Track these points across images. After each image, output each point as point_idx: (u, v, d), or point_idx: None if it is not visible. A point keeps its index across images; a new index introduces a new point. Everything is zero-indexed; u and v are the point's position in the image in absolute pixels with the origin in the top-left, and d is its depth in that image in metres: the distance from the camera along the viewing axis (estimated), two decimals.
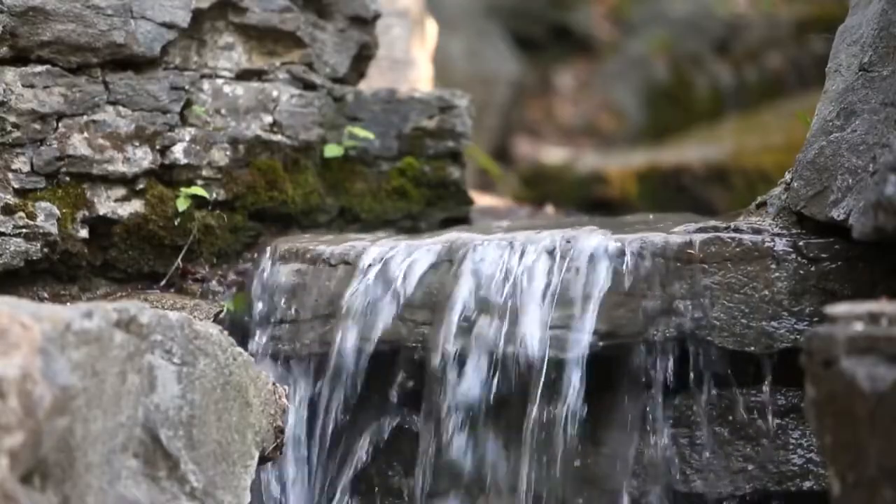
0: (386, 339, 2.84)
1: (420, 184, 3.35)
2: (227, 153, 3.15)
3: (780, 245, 2.77)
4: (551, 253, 2.80)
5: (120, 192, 3.04)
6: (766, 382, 2.76)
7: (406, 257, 2.86)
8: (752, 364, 2.76)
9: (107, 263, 3.07)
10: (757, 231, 2.80)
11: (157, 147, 3.06)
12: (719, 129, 6.71)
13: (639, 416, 2.80)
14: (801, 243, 2.77)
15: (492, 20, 7.44)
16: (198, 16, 3.12)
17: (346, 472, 2.86)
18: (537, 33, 7.86)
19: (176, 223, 3.08)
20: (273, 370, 2.88)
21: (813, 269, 2.76)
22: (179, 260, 3.09)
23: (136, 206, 3.06)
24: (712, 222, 2.90)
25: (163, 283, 3.09)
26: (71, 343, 2.06)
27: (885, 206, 2.37)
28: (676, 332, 2.75)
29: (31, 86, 2.93)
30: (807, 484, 2.75)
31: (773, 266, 2.76)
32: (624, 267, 2.77)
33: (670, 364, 2.76)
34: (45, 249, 2.92)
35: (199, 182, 3.11)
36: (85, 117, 2.99)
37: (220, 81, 3.18)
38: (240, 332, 2.94)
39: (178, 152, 3.09)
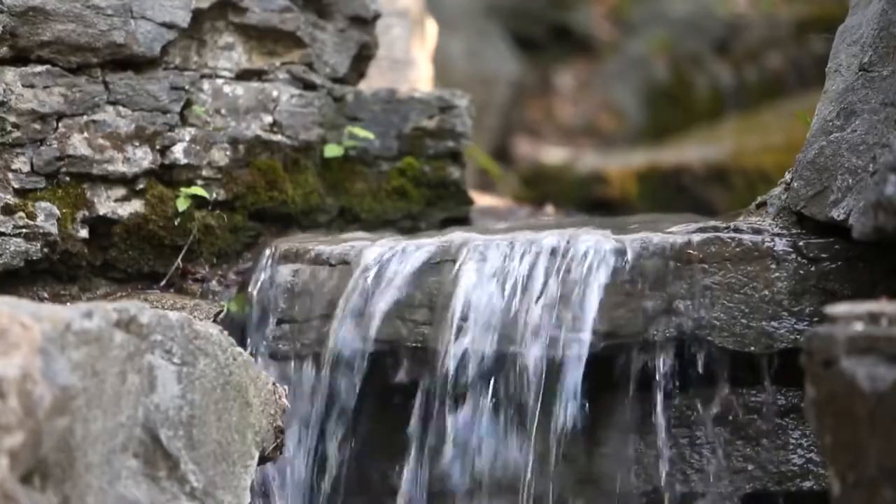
0: (386, 338, 2.84)
1: (420, 184, 3.35)
2: (227, 153, 3.15)
3: (780, 245, 2.77)
4: (551, 253, 2.80)
5: (120, 192, 3.04)
6: (766, 382, 2.76)
7: (406, 257, 2.86)
8: (753, 364, 2.76)
9: (107, 263, 3.07)
10: (757, 231, 2.81)
11: (157, 147, 3.06)
12: (719, 129, 6.71)
13: (639, 417, 2.80)
14: (801, 243, 2.77)
15: (492, 20, 7.44)
16: (198, 16, 3.11)
17: (341, 472, 2.87)
18: (537, 33, 7.86)
19: (176, 223, 3.08)
20: (273, 370, 2.88)
21: (813, 269, 2.76)
22: (179, 260, 3.09)
23: (136, 206, 3.06)
24: (712, 222, 2.90)
25: (163, 283, 3.09)
26: (71, 343, 2.06)
27: (885, 206, 2.37)
28: (676, 332, 2.75)
29: (31, 86, 2.93)
30: (807, 484, 2.75)
31: (773, 266, 2.76)
32: (624, 267, 2.77)
33: (670, 364, 2.76)
34: (45, 249, 2.92)
35: (199, 182, 3.11)
36: (85, 117, 2.99)
37: (220, 81, 3.18)
38: (240, 332, 2.94)
39: (178, 152, 3.09)
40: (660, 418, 2.77)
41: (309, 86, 3.28)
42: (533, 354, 2.74)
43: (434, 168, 3.36)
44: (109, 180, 3.02)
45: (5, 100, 2.90)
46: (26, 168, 2.93)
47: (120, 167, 3.02)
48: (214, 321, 2.88)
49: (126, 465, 2.19)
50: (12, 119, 2.91)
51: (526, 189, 6.12)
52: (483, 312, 2.78)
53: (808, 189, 2.81)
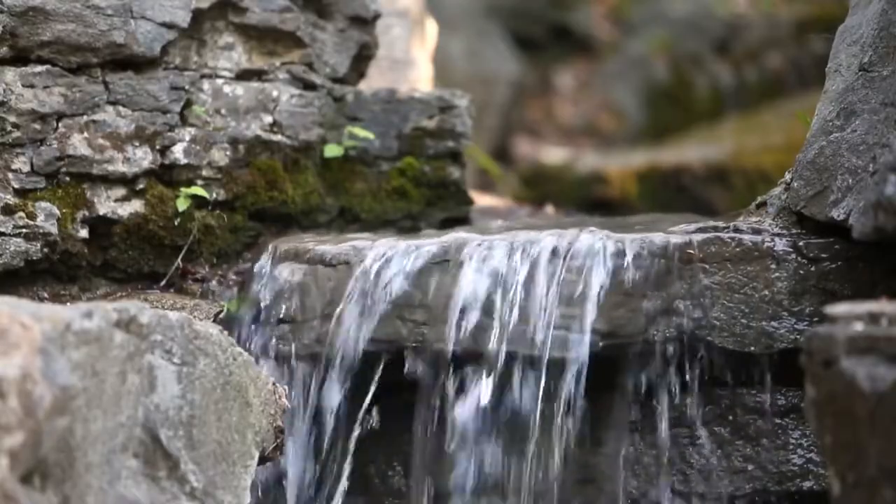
0: (386, 338, 2.84)
1: (420, 184, 3.35)
2: (227, 153, 3.15)
3: (780, 245, 2.77)
4: (552, 253, 2.80)
5: (120, 192, 3.04)
6: (766, 382, 2.76)
7: (406, 257, 2.86)
8: (753, 364, 2.76)
9: (107, 263, 3.07)
10: (757, 231, 2.81)
11: (157, 147, 3.06)
12: (719, 129, 6.71)
13: (639, 416, 2.80)
14: (801, 243, 2.77)
15: (492, 20, 7.44)
16: (198, 16, 3.11)
17: (343, 473, 2.87)
18: (537, 33, 7.86)
19: (176, 223, 3.08)
20: (273, 370, 2.88)
21: (813, 269, 2.76)
22: (179, 260, 3.09)
23: (136, 206, 3.06)
24: (712, 222, 2.90)
25: (163, 283, 3.09)
26: (71, 343, 2.06)
27: (885, 206, 2.37)
28: (676, 332, 2.75)
29: (31, 86, 2.93)
30: (807, 484, 2.75)
31: (773, 266, 2.76)
32: (624, 267, 2.77)
33: (670, 364, 2.76)
34: (45, 249, 2.92)
35: (199, 182, 3.11)
36: (85, 117, 2.99)
37: (220, 81, 3.18)
38: (239, 331, 2.94)
39: (178, 152, 3.09)
40: (660, 418, 2.77)
41: (309, 86, 3.28)
42: (533, 354, 2.74)
43: (434, 168, 3.36)
44: (109, 180, 3.02)
45: (5, 100, 2.90)
46: (26, 168, 2.93)
47: (120, 167, 3.02)
48: (214, 321, 2.88)
49: (126, 465, 2.19)
50: (12, 119, 2.91)
51: (526, 189, 6.12)
52: (482, 312, 2.78)
53: (808, 189, 2.81)
